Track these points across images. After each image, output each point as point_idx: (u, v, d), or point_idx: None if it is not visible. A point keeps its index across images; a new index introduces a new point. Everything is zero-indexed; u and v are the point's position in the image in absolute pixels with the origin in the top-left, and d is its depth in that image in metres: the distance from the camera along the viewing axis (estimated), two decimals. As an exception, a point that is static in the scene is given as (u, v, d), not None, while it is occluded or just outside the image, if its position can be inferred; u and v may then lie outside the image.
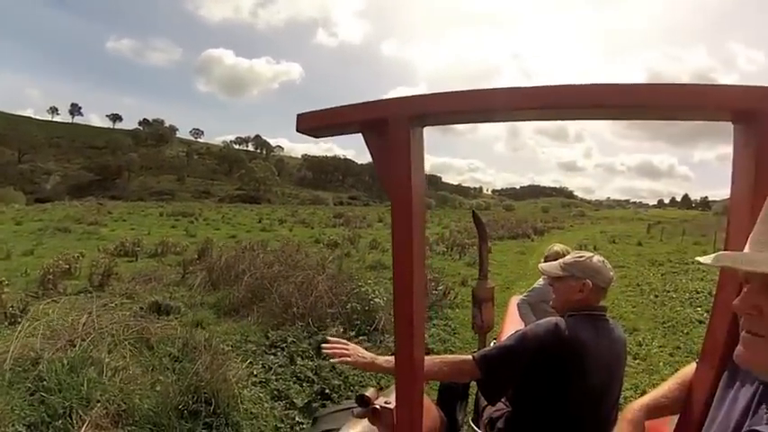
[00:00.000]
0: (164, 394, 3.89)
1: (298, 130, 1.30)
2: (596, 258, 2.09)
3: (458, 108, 1.18)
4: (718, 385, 1.11)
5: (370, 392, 1.82)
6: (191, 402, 3.86)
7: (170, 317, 6.87)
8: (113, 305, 6.74)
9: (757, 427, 0.85)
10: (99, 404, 3.72)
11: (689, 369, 1.41)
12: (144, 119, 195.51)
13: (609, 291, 2.12)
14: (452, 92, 1.17)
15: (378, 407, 1.76)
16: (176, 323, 6.20)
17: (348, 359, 1.80)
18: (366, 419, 1.75)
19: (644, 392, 4.76)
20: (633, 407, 1.41)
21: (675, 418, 1.36)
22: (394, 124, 1.19)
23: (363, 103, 1.25)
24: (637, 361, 6.11)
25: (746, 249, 0.85)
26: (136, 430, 3.60)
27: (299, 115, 1.29)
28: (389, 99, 1.22)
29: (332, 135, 1.38)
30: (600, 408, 1.92)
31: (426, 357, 1.90)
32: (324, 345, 1.92)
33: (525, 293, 4.17)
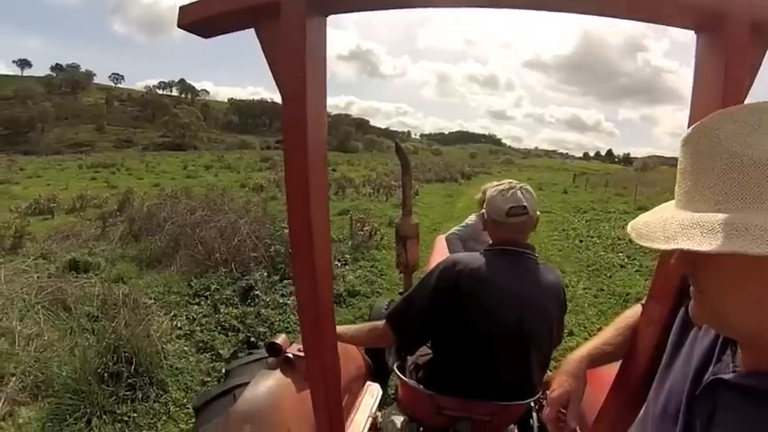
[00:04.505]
0: (82, 358, 3.62)
1: (180, 26, 1.04)
2: (497, 188, 1.94)
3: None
4: (669, 326, 1.01)
5: (280, 340, 1.65)
6: (111, 364, 3.61)
7: (89, 274, 6.50)
8: (26, 267, 6.26)
9: (723, 376, 0.75)
10: (14, 378, 3.47)
11: (630, 313, 1.33)
12: (56, 64, 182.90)
13: (517, 226, 1.90)
14: None
15: (290, 355, 1.61)
16: (96, 280, 5.88)
17: None
18: (279, 370, 1.60)
19: (571, 332, 4.96)
20: (573, 358, 1.31)
21: (617, 365, 1.29)
22: (288, 9, 0.96)
23: None
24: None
25: (671, 204, 0.74)
26: (56, 401, 3.34)
27: (181, 8, 1.04)
28: (286, -22, 0.98)
29: (222, 32, 1.10)
30: (519, 345, 1.81)
31: (343, 327, 1.84)
32: None
33: (457, 228, 3.98)
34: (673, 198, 0.75)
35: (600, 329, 4.98)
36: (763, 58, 0.98)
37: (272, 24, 0.98)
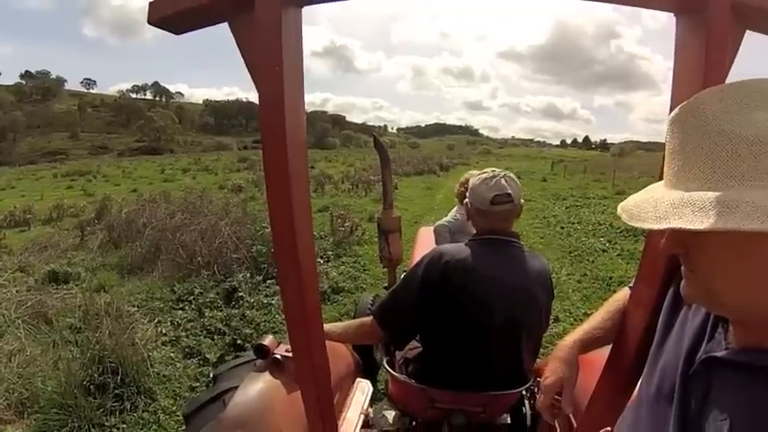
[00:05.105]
0: (67, 372, 3.54)
1: (150, 22, 1.00)
2: (480, 177, 1.92)
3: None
4: (659, 307, 1.01)
5: (268, 341, 1.61)
6: (96, 375, 3.54)
7: (69, 285, 6.40)
8: (4, 282, 6.16)
9: (716, 353, 0.76)
10: (-3, 396, 3.38)
11: (620, 296, 1.33)
12: (26, 71, 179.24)
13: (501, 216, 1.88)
14: None
15: (278, 357, 1.59)
16: (77, 291, 5.80)
17: None
18: (267, 372, 1.57)
19: (556, 318, 5.01)
20: (565, 344, 1.31)
21: (608, 348, 1.29)
22: (262, 1, 0.93)
23: None
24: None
25: (661, 184, 0.74)
26: (42, 417, 3.27)
27: (151, 3, 1.00)
28: (260, -33, 0.95)
29: (194, 27, 1.06)
30: (510, 334, 1.81)
31: (330, 325, 1.85)
32: None
33: (446, 219, 3.83)
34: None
35: (585, 314, 5.02)
36: (743, 39, 0.98)
37: (247, 17, 0.95)
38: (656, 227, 0.65)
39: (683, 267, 0.74)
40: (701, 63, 0.94)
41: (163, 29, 1.04)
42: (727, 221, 0.57)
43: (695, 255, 0.70)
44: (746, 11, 0.94)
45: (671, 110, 0.97)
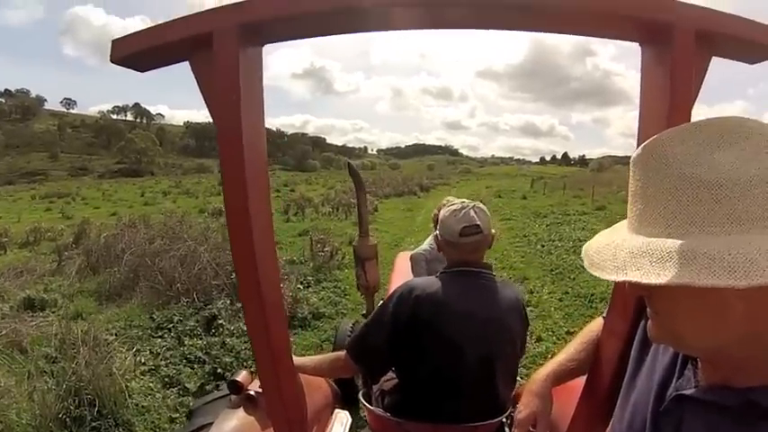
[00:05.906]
0: (42, 404, 3.45)
1: (113, 61, 0.99)
2: (449, 209, 1.91)
3: (304, 10, 0.92)
4: (632, 338, 1.02)
5: (241, 377, 1.60)
6: (73, 408, 3.45)
7: (45, 312, 6.25)
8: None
9: (686, 392, 0.76)
10: (-30, 430, 3.28)
11: (594, 326, 1.34)
12: (5, 89, 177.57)
13: (471, 245, 1.86)
14: None
15: (252, 393, 1.56)
16: (53, 318, 5.67)
17: None
18: (242, 408, 1.55)
19: (539, 338, 5.02)
20: (538, 377, 1.31)
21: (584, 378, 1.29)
22: (220, 40, 0.93)
23: (189, 15, 0.96)
24: (529, 308, 6.30)
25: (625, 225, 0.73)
26: (16, 452, 3.17)
27: (114, 42, 0.99)
28: (218, 7, 0.95)
29: (157, 65, 1.06)
30: (484, 366, 1.79)
31: (305, 358, 1.83)
32: None
33: (423, 248, 3.75)
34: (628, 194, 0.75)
35: (567, 333, 5.02)
36: (709, 65, 0.99)
37: (206, 56, 0.95)
38: (613, 278, 0.64)
39: (648, 309, 0.74)
40: (667, 91, 0.95)
41: (126, 67, 1.03)
42: (682, 276, 0.56)
43: (658, 299, 0.69)
44: (711, 37, 0.96)
45: (638, 140, 0.98)
